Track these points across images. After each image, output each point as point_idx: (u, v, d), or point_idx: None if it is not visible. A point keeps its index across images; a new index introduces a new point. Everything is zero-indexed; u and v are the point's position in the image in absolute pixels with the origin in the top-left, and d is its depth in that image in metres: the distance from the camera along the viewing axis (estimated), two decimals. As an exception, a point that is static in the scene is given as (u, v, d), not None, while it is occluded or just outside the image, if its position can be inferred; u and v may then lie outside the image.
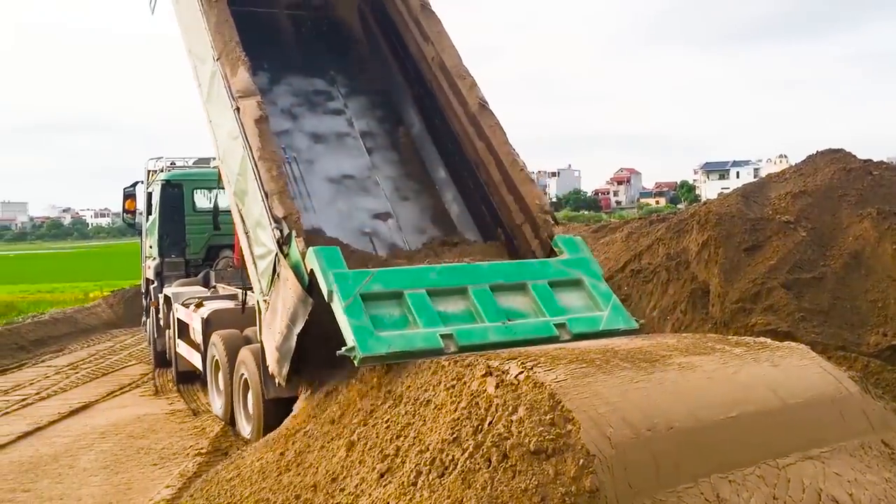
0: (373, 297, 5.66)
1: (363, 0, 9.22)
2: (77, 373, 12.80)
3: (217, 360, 8.87)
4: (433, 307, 5.72)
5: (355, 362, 5.21)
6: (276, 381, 6.44)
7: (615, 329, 5.87)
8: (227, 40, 7.26)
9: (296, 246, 5.97)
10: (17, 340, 15.52)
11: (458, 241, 7.61)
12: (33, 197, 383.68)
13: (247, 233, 6.99)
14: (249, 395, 7.77)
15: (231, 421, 8.64)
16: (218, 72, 7.21)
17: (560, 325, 5.79)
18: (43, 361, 14.25)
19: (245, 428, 8.09)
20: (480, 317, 5.77)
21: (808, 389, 4.16)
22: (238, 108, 6.81)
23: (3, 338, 15.35)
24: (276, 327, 6.30)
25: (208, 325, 9.15)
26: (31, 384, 11.88)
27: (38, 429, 8.97)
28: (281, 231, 6.11)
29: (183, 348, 10.55)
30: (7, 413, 9.88)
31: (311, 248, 5.80)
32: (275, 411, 7.11)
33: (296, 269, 5.92)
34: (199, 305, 9.64)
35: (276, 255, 6.18)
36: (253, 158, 6.52)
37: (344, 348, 5.32)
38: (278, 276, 6.18)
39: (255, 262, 6.82)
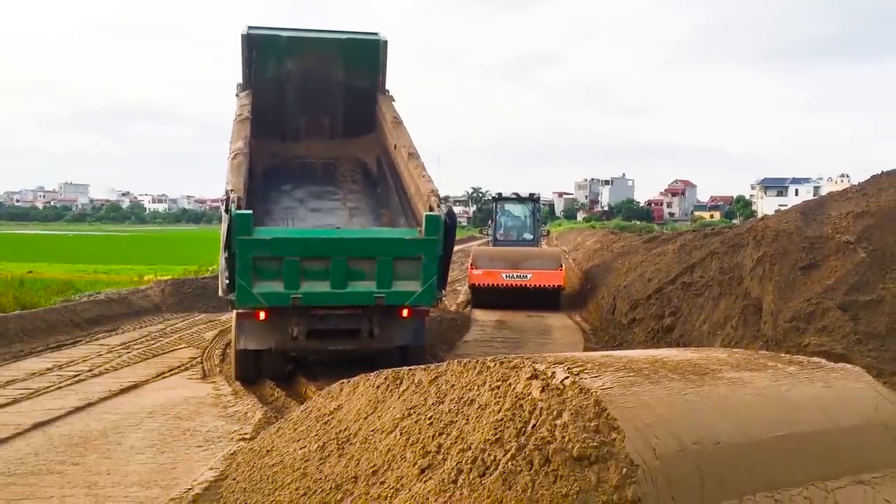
0: (260, 259, 9.35)
1: (380, 151, 12.85)
2: (129, 352, 13.11)
3: None
4: (297, 272, 9.37)
5: (233, 307, 9.96)
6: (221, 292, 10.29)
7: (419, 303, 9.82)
8: (238, 137, 11.34)
9: (232, 203, 9.33)
10: (73, 318, 15.95)
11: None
12: (94, 179, 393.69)
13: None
14: None
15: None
16: (230, 146, 11.29)
17: (379, 297, 9.58)
18: (96, 340, 14.61)
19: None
20: (328, 279, 9.45)
21: (862, 413, 4.06)
22: (230, 157, 10.82)
23: (59, 314, 15.81)
24: (220, 253, 9.92)
25: None
26: (84, 361, 12.22)
27: (89, 405, 9.23)
28: (228, 195, 9.53)
29: None
30: (60, 388, 10.18)
31: (235, 212, 9.17)
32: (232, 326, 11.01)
33: (229, 216, 9.34)
34: None
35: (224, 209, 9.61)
36: (229, 175, 10.32)
37: (228, 295, 9.69)
38: (223, 220, 9.64)
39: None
